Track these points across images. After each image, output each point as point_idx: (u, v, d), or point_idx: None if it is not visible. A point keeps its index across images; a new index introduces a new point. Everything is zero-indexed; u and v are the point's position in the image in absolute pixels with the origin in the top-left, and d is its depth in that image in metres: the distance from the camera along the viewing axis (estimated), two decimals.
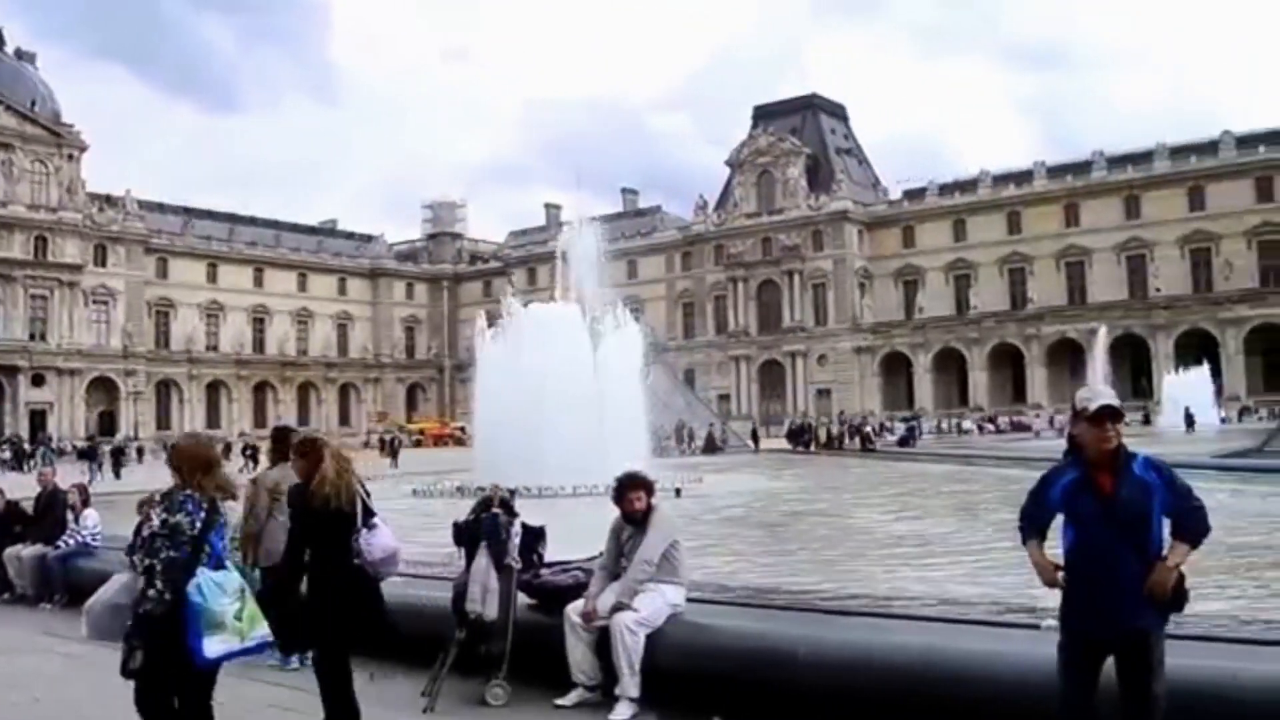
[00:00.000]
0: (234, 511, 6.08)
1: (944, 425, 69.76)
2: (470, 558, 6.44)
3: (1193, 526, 4.02)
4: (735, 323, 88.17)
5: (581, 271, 27.94)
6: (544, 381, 21.34)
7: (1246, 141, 73.60)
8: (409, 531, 15.05)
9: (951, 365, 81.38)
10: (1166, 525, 4.10)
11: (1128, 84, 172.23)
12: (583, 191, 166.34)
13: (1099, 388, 4.31)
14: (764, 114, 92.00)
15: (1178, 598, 4.01)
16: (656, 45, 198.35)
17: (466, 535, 6.57)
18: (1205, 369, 60.85)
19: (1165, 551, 4.04)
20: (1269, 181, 71.80)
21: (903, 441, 44.22)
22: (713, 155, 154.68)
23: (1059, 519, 4.22)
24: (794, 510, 17.69)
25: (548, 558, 6.77)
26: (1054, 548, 4.25)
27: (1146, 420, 58.09)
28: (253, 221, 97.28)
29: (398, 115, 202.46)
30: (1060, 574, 4.12)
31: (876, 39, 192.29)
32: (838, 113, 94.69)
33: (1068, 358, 73.84)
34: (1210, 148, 74.78)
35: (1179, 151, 75.98)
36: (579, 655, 6.04)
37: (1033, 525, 4.25)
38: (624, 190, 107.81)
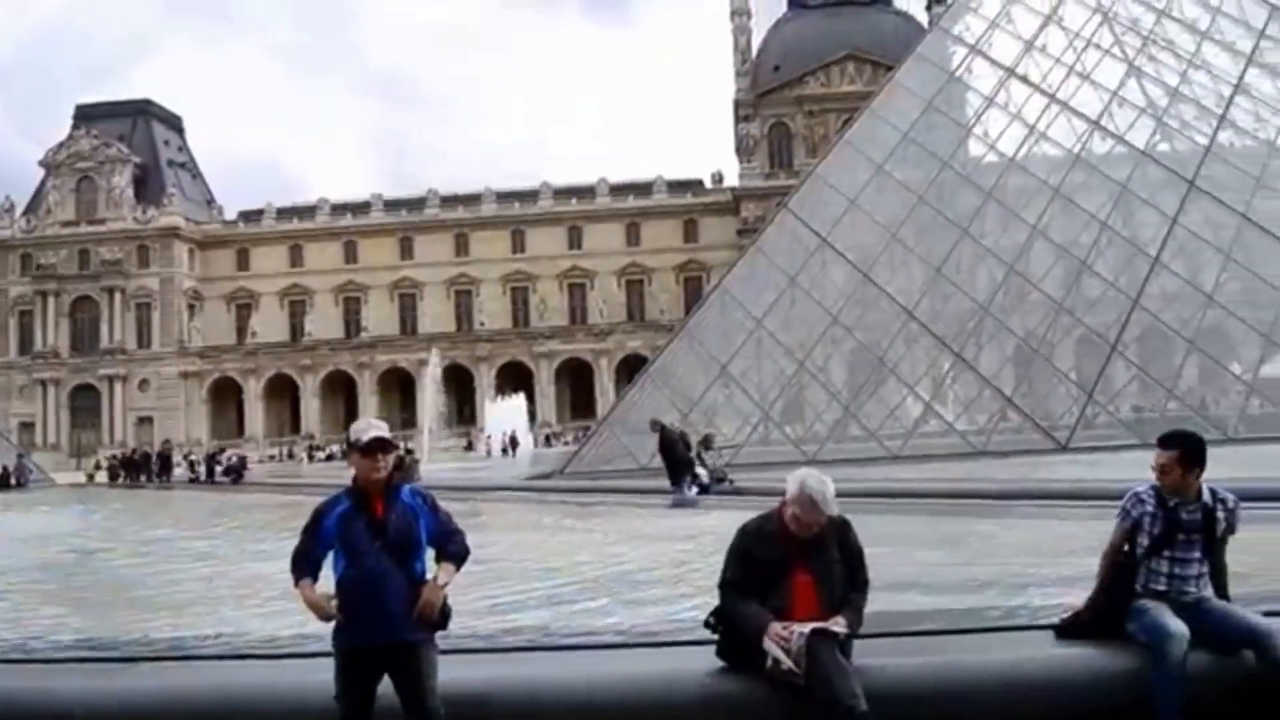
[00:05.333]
0: None
1: (276, 454, 68.72)
2: None
3: (455, 550, 4.33)
4: (43, 342, 79.65)
5: None
6: None
7: (561, 193, 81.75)
8: None
9: (285, 392, 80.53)
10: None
11: (467, 127, 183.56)
12: None
13: (372, 420, 4.52)
14: (89, 114, 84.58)
15: (444, 615, 4.28)
16: None
17: None
18: (522, 397, 66.13)
19: (433, 573, 4.29)
20: (579, 231, 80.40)
21: (228, 471, 42.50)
22: (28, 152, 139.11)
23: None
24: (91, 551, 16.11)
25: None
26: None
27: (470, 446, 61.73)
28: None
29: None
30: (333, 603, 4.20)
31: (226, 51, 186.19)
32: (173, 123, 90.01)
33: (399, 386, 76.46)
34: (531, 195, 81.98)
35: (504, 197, 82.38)
36: None
37: (306, 565, 4.31)
38: None
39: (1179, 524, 4.52)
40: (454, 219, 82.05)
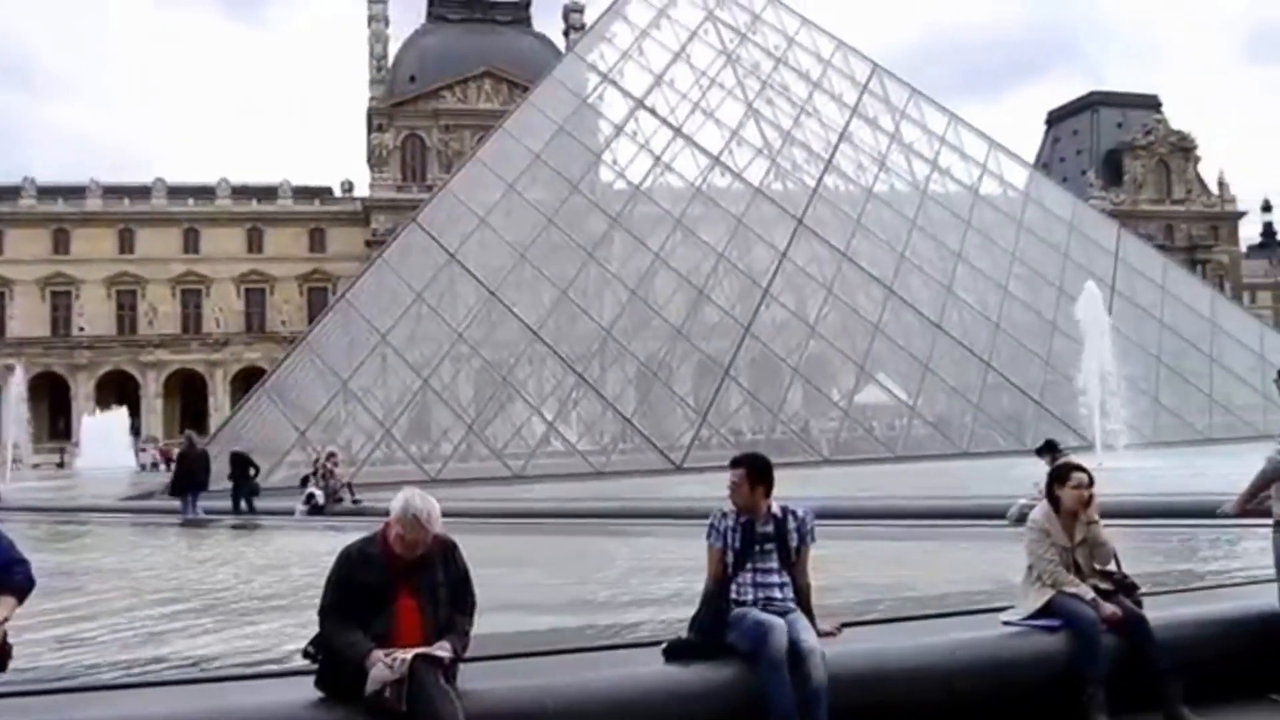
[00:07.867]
0: None
1: None
2: None
3: (19, 581, 4.05)
4: None
5: None
6: None
7: (177, 191, 76.47)
8: None
9: None
10: None
11: (81, 116, 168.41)
12: None
13: None
14: None
15: (2, 655, 3.92)
16: None
17: None
18: (124, 411, 61.41)
19: None
20: (196, 234, 75.58)
21: None
22: None
23: None
24: None
25: None
26: None
27: (62, 464, 56.67)
28: None
29: None
30: None
31: None
32: None
33: None
34: (143, 192, 76.08)
35: (112, 191, 75.93)
36: None
37: None
38: None
39: (754, 536, 4.84)
40: (53, 213, 74.61)
